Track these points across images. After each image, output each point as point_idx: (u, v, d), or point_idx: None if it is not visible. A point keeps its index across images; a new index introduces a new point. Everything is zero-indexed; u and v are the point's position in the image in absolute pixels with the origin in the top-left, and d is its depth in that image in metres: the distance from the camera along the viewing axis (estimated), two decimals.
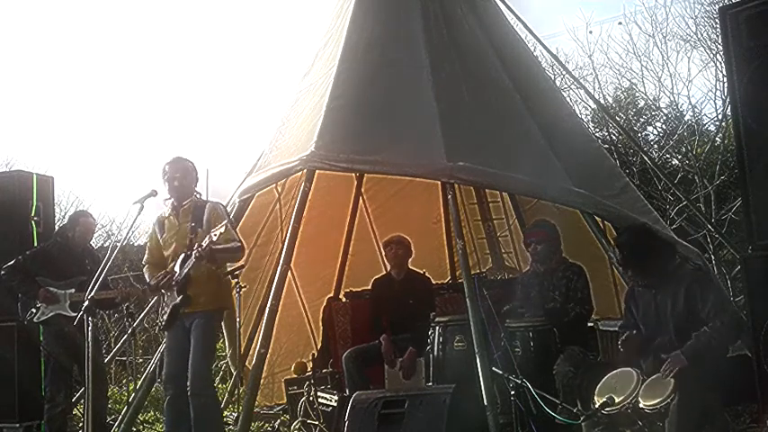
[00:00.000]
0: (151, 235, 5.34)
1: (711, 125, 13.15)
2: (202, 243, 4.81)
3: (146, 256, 5.37)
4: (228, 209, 6.98)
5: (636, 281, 4.64)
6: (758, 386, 4.04)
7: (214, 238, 4.74)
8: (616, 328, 4.95)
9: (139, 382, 6.35)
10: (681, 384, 4.02)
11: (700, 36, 12.61)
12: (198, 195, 5.27)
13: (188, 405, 4.94)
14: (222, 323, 5.37)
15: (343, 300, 7.52)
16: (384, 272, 6.94)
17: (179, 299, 5.00)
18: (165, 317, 5.11)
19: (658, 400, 4.03)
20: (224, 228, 4.75)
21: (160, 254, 5.26)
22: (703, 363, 4.11)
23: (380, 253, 7.10)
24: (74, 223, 6.42)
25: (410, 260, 6.66)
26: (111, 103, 25.73)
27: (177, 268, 5.04)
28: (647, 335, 4.49)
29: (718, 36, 10.90)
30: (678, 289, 4.37)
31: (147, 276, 5.32)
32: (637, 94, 14.10)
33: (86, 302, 4.48)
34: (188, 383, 4.92)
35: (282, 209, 7.04)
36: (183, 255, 5.04)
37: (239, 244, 5.11)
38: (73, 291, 6.05)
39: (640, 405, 4.07)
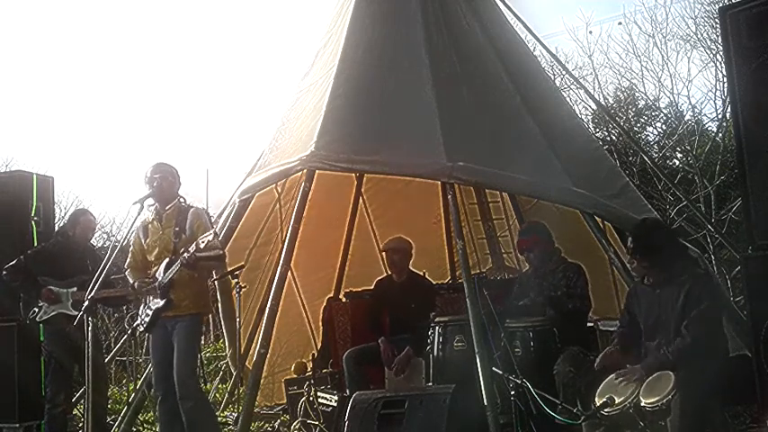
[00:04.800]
0: (134, 239, 5.33)
1: (711, 125, 13.17)
2: (189, 249, 4.81)
3: (128, 259, 5.36)
4: (228, 209, 7.01)
5: (646, 276, 4.59)
6: (758, 386, 4.04)
7: (201, 246, 4.75)
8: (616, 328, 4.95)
9: (139, 383, 6.35)
10: (680, 383, 4.02)
11: (700, 36, 12.62)
12: (182, 201, 5.23)
13: (178, 406, 4.95)
14: (222, 323, 5.38)
15: (343, 300, 7.52)
16: (385, 273, 6.94)
17: (162, 303, 5.01)
18: (146, 319, 5.12)
19: (659, 397, 4.02)
20: (212, 236, 4.77)
21: (143, 258, 5.26)
22: (702, 362, 4.11)
23: (380, 253, 7.10)
24: (74, 222, 6.43)
25: (411, 261, 6.66)
26: (112, 104, 25.75)
27: (161, 273, 5.05)
28: (646, 334, 4.47)
29: (718, 36, 10.89)
30: (681, 290, 4.36)
31: (129, 279, 5.32)
32: (637, 94, 14.12)
33: (86, 302, 4.47)
34: (176, 388, 4.94)
35: (282, 209, 7.04)
36: (167, 260, 5.05)
37: (221, 252, 5.16)
38: (75, 290, 6.05)
39: (642, 404, 4.06)
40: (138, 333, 5.74)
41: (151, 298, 5.10)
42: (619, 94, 14.43)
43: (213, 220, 5.76)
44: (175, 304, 5.01)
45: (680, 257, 4.59)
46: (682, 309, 4.31)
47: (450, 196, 5.97)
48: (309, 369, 6.58)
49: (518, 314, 5.43)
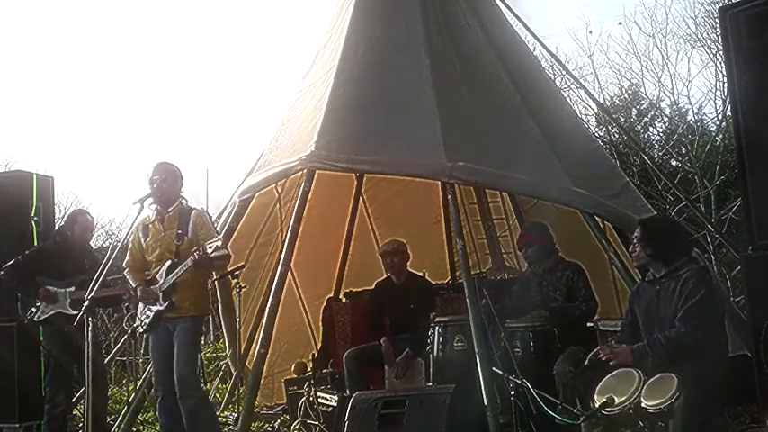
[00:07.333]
0: (133, 238, 5.33)
1: (711, 125, 13.17)
2: (206, 250, 4.84)
3: (126, 258, 5.36)
4: (228, 209, 7.01)
5: (646, 267, 4.57)
6: (758, 386, 4.04)
7: (209, 251, 4.81)
8: (616, 328, 4.94)
9: (139, 383, 6.35)
10: (683, 384, 4.01)
11: (700, 36, 12.63)
12: (184, 201, 5.25)
13: (178, 405, 4.98)
14: (222, 323, 5.40)
15: (343, 300, 7.52)
16: (385, 273, 6.94)
17: (165, 305, 5.04)
18: (147, 320, 5.14)
19: (661, 399, 4.01)
20: (220, 242, 4.87)
21: (142, 257, 5.27)
22: (704, 363, 4.10)
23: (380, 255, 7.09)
24: (72, 222, 6.43)
25: (409, 262, 6.65)
26: (111, 104, 25.76)
27: (163, 275, 5.07)
28: (644, 329, 4.46)
29: (718, 36, 10.89)
30: (678, 283, 4.33)
31: (129, 279, 5.33)
32: (639, 95, 14.12)
33: (87, 302, 4.47)
34: (176, 388, 4.96)
35: (282, 209, 7.05)
36: (169, 262, 5.07)
37: (227, 252, 5.22)
38: (73, 289, 6.05)
39: (642, 405, 4.05)
40: (137, 333, 5.73)
41: (152, 300, 5.12)
42: (622, 94, 14.45)
43: (213, 220, 5.77)
44: (177, 306, 5.04)
45: (684, 255, 4.57)
46: (677, 300, 4.30)
47: (450, 196, 5.97)
48: (309, 369, 6.58)
49: (516, 314, 5.44)
